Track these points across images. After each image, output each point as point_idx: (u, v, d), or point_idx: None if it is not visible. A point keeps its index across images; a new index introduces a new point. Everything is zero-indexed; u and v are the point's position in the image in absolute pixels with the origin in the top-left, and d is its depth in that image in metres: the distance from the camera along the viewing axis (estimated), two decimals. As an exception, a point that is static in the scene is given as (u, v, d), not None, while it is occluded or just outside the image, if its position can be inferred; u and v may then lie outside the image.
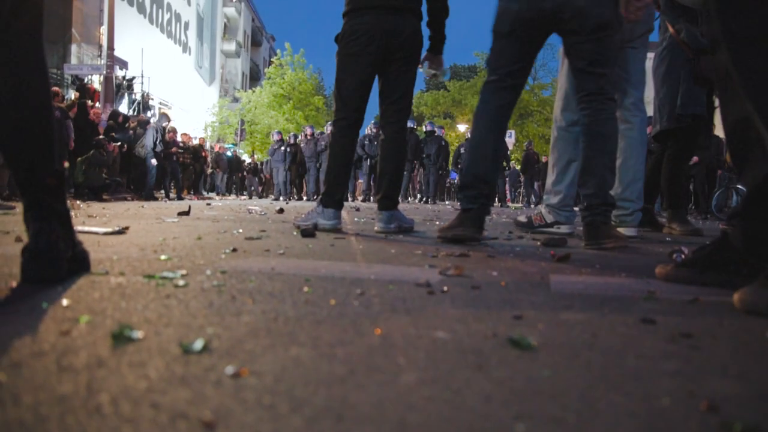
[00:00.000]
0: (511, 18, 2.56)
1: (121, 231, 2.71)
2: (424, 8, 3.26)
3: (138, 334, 0.82)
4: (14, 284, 1.22)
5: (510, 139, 24.60)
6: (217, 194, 18.16)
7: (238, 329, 0.88)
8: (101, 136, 10.52)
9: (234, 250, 2.05)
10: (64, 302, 1.04)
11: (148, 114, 17.99)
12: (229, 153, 20.71)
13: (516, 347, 0.82)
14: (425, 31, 3.31)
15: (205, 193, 17.56)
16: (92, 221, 3.49)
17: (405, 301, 1.17)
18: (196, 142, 16.90)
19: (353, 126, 3.27)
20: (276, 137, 16.50)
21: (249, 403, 0.58)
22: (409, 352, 0.79)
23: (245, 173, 22.30)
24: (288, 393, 0.61)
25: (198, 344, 0.77)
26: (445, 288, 1.33)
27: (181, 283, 1.29)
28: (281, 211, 6.00)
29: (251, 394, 0.61)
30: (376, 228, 3.27)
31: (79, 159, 9.70)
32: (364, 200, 14.86)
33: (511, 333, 0.90)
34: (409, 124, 16.03)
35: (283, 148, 16.01)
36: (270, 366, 0.70)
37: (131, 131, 11.89)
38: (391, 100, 3.25)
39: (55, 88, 10.92)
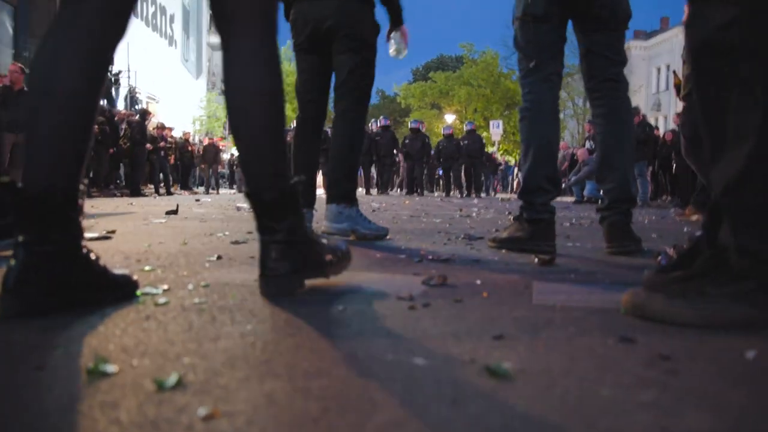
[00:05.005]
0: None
1: (107, 236, 2.69)
2: None
3: (113, 368, 0.81)
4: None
5: (498, 129, 24.65)
6: (206, 190, 17.96)
7: (215, 358, 0.88)
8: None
9: (219, 257, 2.04)
10: (45, 326, 1.03)
11: (136, 108, 17.82)
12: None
13: (493, 376, 0.82)
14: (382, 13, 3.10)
15: (194, 189, 17.43)
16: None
17: (386, 319, 1.16)
18: (179, 135, 16.70)
19: (308, 121, 3.07)
20: None
21: (219, 452, 0.58)
22: (385, 383, 0.78)
23: (234, 167, 22.18)
24: (260, 437, 0.61)
25: (172, 379, 0.76)
26: (428, 302, 1.33)
27: (161, 300, 1.28)
28: (269, 208, 5.97)
29: (222, 440, 0.60)
30: (322, 228, 2.86)
31: None
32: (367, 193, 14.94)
33: (489, 359, 0.89)
34: (384, 122, 16.03)
35: None
36: (243, 405, 0.70)
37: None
38: (336, 85, 3.00)
39: None
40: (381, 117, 16.93)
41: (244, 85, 1.38)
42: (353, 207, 2.84)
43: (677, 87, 5.06)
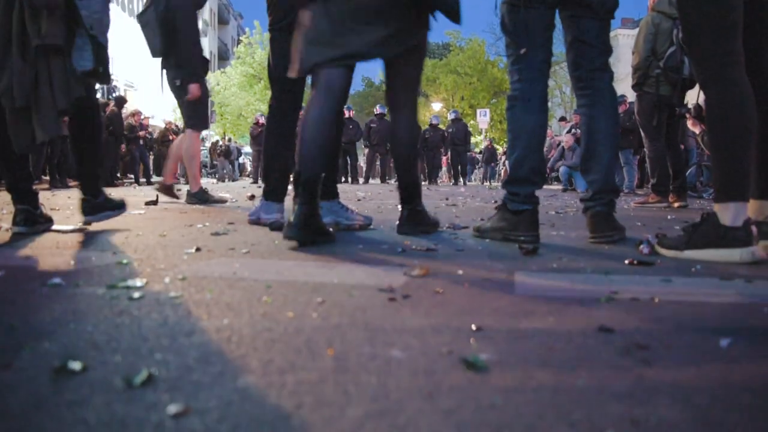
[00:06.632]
0: None
1: (83, 228, 2.64)
2: None
3: (81, 365, 0.79)
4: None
5: (485, 118, 24.64)
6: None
7: (189, 354, 0.86)
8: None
9: (198, 249, 2.01)
10: (13, 324, 1.01)
11: (113, 96, 17.50)
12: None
13: (469, 368, 0.81)
14: None
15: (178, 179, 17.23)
16: (55, 215, 3.40)
17: (365, 311, 1.15)
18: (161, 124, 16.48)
19: (285, 111, 2.91)
20: (262, 120, 16.30)
21: (187, 452, 0.56)
22: (361, 377, 0.77)
23: (217, 155, 21.99)
24: (230, 436, 0.60)
25: (142, 377, 0.75)
26: (408, 293, 1.32)
27: (136, 295, 1.25)
28: (253, 197, 5.93)
29: (191, 439, 0.59)
30: None
31: None
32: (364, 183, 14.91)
33: (467, 350, 0.89)
34: (380, 110, 15.99)
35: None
36: (215, 401, 0.68)
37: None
38: None
39: None
40: (377, 105, 16.86)
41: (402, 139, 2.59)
42: (334, 200, 2.79)
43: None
